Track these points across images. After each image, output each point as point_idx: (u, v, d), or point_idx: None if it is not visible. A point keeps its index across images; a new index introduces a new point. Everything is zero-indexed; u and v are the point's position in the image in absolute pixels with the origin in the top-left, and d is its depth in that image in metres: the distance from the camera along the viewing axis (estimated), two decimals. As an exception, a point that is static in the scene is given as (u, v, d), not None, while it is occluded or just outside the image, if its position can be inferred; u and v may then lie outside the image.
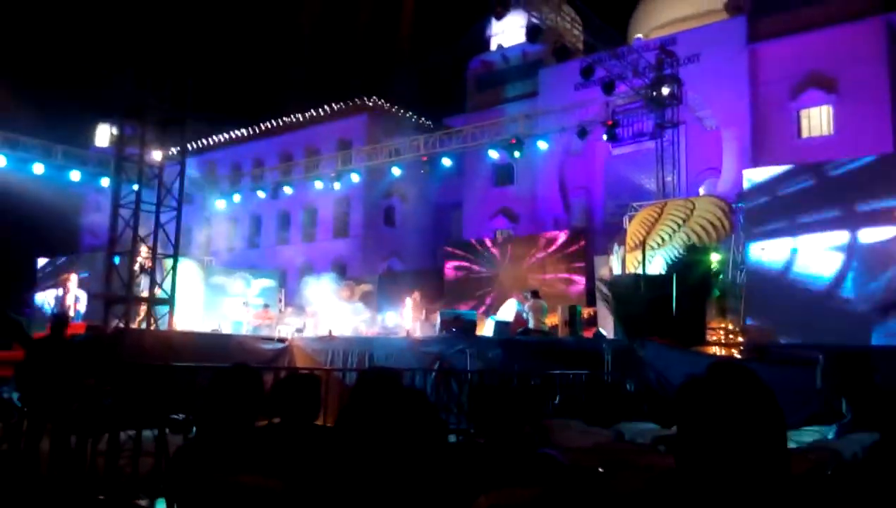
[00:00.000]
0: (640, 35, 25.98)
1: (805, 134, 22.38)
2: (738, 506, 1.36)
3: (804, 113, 22.49)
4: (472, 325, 13.77)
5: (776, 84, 22.48)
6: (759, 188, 12.54)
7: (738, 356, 10.24)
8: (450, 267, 21.77)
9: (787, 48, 22.20)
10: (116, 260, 13.14)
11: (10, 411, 8.33)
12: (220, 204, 26.15)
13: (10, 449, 6.15)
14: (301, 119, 32.94)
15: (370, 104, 31.98)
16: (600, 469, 4.98)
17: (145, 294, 13.49)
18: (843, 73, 21.24)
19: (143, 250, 13.48)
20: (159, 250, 13.45)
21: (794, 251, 11.46)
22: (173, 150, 14.69)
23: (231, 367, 2.78)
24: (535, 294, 15.91)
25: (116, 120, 17.71)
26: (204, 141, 34.50)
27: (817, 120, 22.30)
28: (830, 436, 6.52)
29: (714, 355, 9.72)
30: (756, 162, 20.91)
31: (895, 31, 21.24)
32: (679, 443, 1.47)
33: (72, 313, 20.54)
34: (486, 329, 15.38)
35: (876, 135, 19.76)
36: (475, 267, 21.09)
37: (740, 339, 11.37)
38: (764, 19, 22.86)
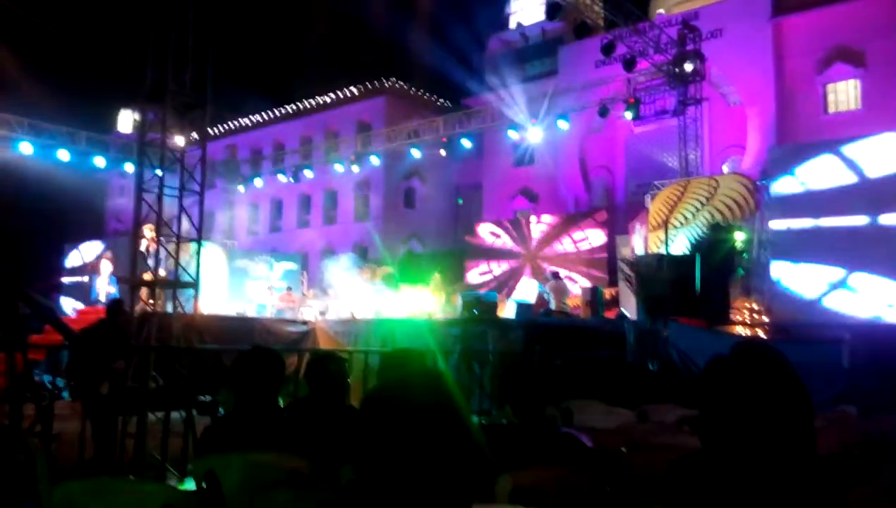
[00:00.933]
0: (661, 10, 25.49)
1: (832, 109, 21.89)
2: (765, 486, 1.35)
3: (831, 87, 21.99)
4: (494, 307, 13.77)
5: (801, 58, 21.98)
6: (784, 165, 12.32)
7: (763, 335, 10.14)
8: (471, 249, 21.76)
9: (812, 21, 21.67)
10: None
11: (42, 393, 8.53)
12: (241, 188, 26.36)
13: (43, 431, 6.30)
14: (320, 102, 32.96)
15: (388, 86, 31.88)
16: (623, 450, 4.98)
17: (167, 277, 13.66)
18: (871, 45, 20.69)
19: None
20: (183, 234, 13.58)
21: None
22: (194, 135, 14.77)
23: (251, 349, 2.82)
24: (557, 275, 15.86)
25: (138, 105, 17.89)
26: (225, 125, 34.69)
27: (844, 95, 21.78)
28: (857, 415, 6.45)
29: (738, 335, 9.63)
30: (781, 138, 20.53)
31: (926, 0, 20.61)
32: (704, 424, 1.46)
33: (102, 297, 20.90)
34: (507, 310, 15.39)
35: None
36: (496, 248, 21.06)
37: (765, 319, 11.25)
38: (789, -9, 22.32)
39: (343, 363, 3.14)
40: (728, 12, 22.62)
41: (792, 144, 12.97)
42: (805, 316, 10.37)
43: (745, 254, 12.23)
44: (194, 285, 13.28)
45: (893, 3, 20.35)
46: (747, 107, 22.16)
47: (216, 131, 33.40)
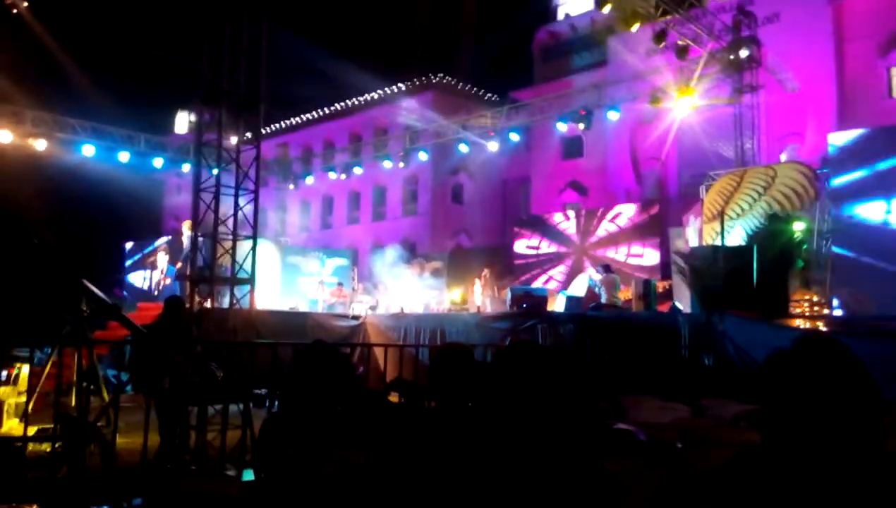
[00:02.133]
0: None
1: (897, 93, 20.97)
2: (829, 484, 1.32)
3: (895, 71, 21.05)
4: (543, 301, 13.69)
5: (863, 41, 21.08)
6: (846, 152, 11.87)
7: (825, 328, 9.80)
8: (520, 243, 21.66)
9: (873, 3, 20.75)
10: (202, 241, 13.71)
11: (106, 387, 8.89)
12: (292, 186, 26.87)
13: (109, 423, 6.56)
14: (368, 99, 33.27)
15: (436, 81, 31.95)
16: (679, 445, 4.90)
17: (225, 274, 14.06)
18: (941, 24, 19.73)
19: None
20: (239, 232, 13.95)
21: (888, 212, 10.84)
22: (248, 135, 15.13)
23: (311, 344, 2.87)
24: (608, 268, 15.66)
25: (194, 107, 18.42)
26: (276, 124, 35.36)
27: (911, 78, 20.83)
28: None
29: (798, 327, 9.33)
30: (842, 125, 19.76)
31: None
32: (766, 419, 1.43)
33: (157, 291, 21.65)
34: (557, 304, 15.27)
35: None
36: (545, 242, 20.91)
37: (826, 311, 10.87)
38: (851, -29, 21.42)
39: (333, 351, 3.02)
40: (785, -5, 21.88)
41: (855, 130, 12.44)
42: (872, 307, 9.99)
43: (804, 246, 11.84)
44: (250, 281, 13.67)
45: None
46: (806, 93, 21.39)
47: (268, 130, 34.04)
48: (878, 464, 1.34)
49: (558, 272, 20.27)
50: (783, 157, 19.84)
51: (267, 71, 14.75)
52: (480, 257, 22.21)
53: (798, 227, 12.03)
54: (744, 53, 16.56)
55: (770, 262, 10.19)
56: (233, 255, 13.79)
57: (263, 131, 15.72)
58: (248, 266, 13.75)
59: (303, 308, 18.10)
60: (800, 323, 9.73)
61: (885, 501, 1.32)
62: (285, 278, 20.65)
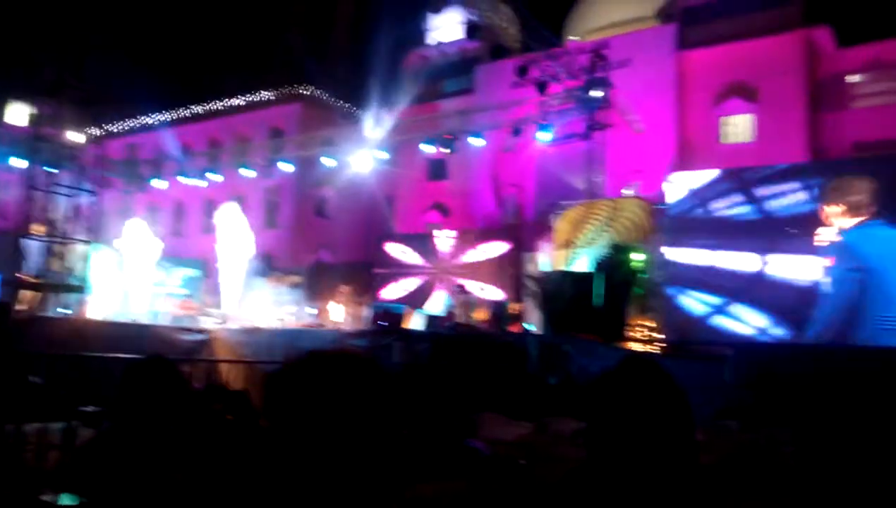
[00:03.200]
0: (574, 37, 26.48)
1: (727, 140, 23.37)
2: (646, 497, 1.39)
3: (726, 120, 23.49)
4: (401, 319, 13.75)
5: (701, 91, 23.39)
6: (681, 192, 13.02)
7: (656, 351, 10.60)
8: (382, 261, 21.63)
9: (712, 57, 23.11)
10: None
11: None
12: (141, 189, 25.13)
13: None
14: (231, 105, 32.04)
15: (305, 93, 31.41)
16: (522, 462, 5.06)
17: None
18: (764, 83, 22.30)
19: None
20: (74, 236, 12.82)
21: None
22: (94, 132, 14.02)
23: (144, 359, 2.68)
24: (464, 289, 16.04)
25: (31, 98, 16.78)
26: (126, 123, 33.08)
27: (739, 127, 23.32)
28: (738, 429, 6.83)
29: (632, 350, 10.02)
30: (680, 166, 21.69)
31: (813, 45, 22.43)
32: (589, 436, 1.50)
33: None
34: (414, 322, 15.39)
35: (792, 144, 20.82)
36: (407, 261, 21.05)
37: (658, 336, 11.78)
38: (692, 28, 23.72)
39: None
40: (636, 43, 23.78)
41: (690, 172, 13.66)
42: (695, 334, 10.94)
43: (642, 275, 12.77)
44: (82, 289, 12.57)
45: (785, 45, 22.05)
46: (650, 135, 23.28)
47: (116, 129, 31.85)
48: (691, 479, 1.43)
49: (419, 291, 20.45)
50: (627, 193, 21.43)
51: (118, 66, 13.80)
52: (342, 273, 21.93)
53: (637, 258, 12.97)
54: (597, 94, 17.72)
55: (612, 289, 10.90)
56: (66, 261, 12.66)
57: (111, 130, 14.65)
58: (82, 272, 12.65)
59: (145, 320, 16.92)
60: (635, 347, 10.47)
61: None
62: (126, 287, 19.20)
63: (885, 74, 22.14)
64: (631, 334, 11.43)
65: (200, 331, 13.98)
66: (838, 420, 1.75)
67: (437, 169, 29.08)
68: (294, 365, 1.37)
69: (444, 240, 20.73)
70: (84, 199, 13.01)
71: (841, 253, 9.85)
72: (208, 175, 23.57)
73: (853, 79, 22.85)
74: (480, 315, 15.65)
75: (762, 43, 22.12)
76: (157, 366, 2.69)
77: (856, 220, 9.83)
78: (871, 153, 13.55)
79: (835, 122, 22.20)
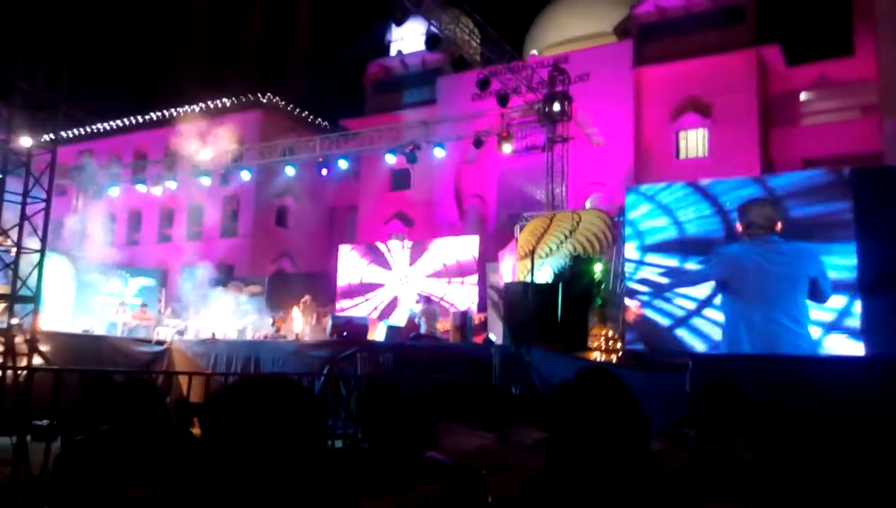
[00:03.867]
0: (534, 51, 26.86)
1: (683, 155, 23.94)
2: (602, 504, 1.42)
3: (682, 135, 24.06)
4: (364, 330, 13.67)
5: (658, 106, 23.93)
6: (639, 203, 13.29)
7: (616, 361, 10.76)
8: (343, 271, 21.52)
9: (668, 73, 23.69)
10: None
11: None
12: (96, 196, 24.53)
13: None
14: (189, 111, 31.52)
15: (265, 101, 31.12)
16: (484, 472, 5.07)
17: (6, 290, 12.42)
18: (718, 99, 22.93)
19: None
20: (25, 244, 12.40)
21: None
22: (46, 137, 13.64)
23: (125, 382, 2.71)
24: (429, 299, 16.05)
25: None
26: (81, 129, 32.31)
27: (694, 142, 23.91)
28: (695, 438, 6.97)
29: (594, 360, 10.16)
30: (638, 179, 22.12)
31: (764, 63, 23.16)
32: (548, 446, 1.53)
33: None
34: (377, 333, 15.32)
35: (745, 158, 21.43)
36: (370, 271, 20.97)
37: (619, 345, 11.96)
38: (648, 45, 24.29)
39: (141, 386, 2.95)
40: (595, 58, 24.24)
41: (649, 184, 13.94)
42: (656, 345, 11.14)
43: (602, 285, 12.96)
44: (34, 299, 12.17)
45: (738, 62, 22.72)
46: (609, 148, 23.71)
47: (70, 135, 31.06)
48: (645, 487, 1.47)
49: (381, 301, 20.38)
50: (588, 204, 21.76)
51: (72, 69, 13.45)
52: (303, 283, 21.71)
53: (598, 268, 13.17)
54: (556, 107, 17.99)
55: (573, 299, 11.04)
56: (15, 270, 12.23)
57: (64, 135, 14.25)
58: (33, 282, 12.25)
59: (100, 331, 16.46)
60: (597, 356, 10.61)
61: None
62: (81, 298, 18.66)
63: (833, 92, 22.99)
64: (592, 344, 11.58)
65: (158, 343, 13.67)
66: (793, 427, 1.81)
67: (399, 179, 29.09)
68: (227, 394, 1.37)
69: (407, 249, 20.73)
70: (35, 207, 12.61)
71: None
72: (165, 183, 23.14)
73: (803, 96, 23.68)
74: (444, 325, 15.67)
75: (716, 60, 22.77)
76: (137, 387, 2.72)
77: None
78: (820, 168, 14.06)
79: (785, 138, 22.94)
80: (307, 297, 18.31)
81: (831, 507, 1.87)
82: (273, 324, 17.09)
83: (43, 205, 12.75)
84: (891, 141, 19.24)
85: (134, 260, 28.51)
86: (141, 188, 23.58)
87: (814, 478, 1.90)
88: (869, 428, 5.98)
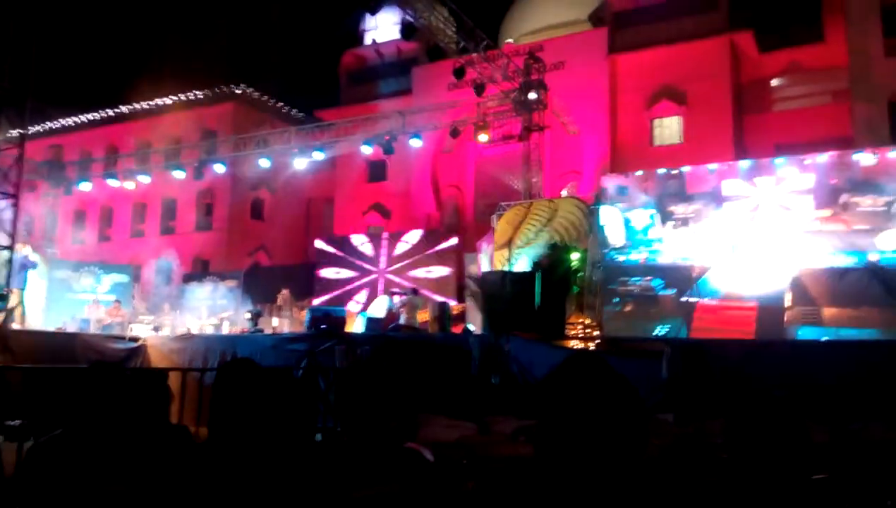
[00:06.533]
0: (510, 40, 26.80)
1: (658, 142, 24.09)
2: (595, 490, 1.41)
3: (657, 122, 24.20)
4: (342, 322, 13.58)
5: (633, 94, 24.03)
6: (616, 191, 13.40)
7: (594, 348, 10.82)
8: (322, 263, 21.39)
9: (642, 61, 23.78)
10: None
11: None
12: (66, 192, 24.08)
13: None
14: (161, 104, 31.03)
15: (238, 93, 30.72)
16: (465, 462, 5.08)
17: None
18: (692, 86, 23.08)
19: None
20: (-7, 241, 12.17)
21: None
22: (13, 132, 13.34)
23: (90, 366, 2.63)
24: (415, 291, 16.03)
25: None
26: (50, 124, 31.65)
27: (669, 129, 24.06)
28: (672, 422, 7.05)
29: (572, 348, 10.21)
30: (614, 167, 22.23)
31: (737, 50, 23.35)
32: (540, 433, 1.51)
33: None
34: (356, 326, 15.25)
35: (719, 145, 21.62)
36: (348, 263, 20.86)
37: (596, 333, 12.04)
38: (623, 32, 24.35)
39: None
40: (570, 47, 24.25)
41: (633, 174, 14.01)
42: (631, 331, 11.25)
43: (579, 273, 13.03)
44: (4, 297, 11.95)
45: (711, 49, 22.87)
46: (584, 136, 23.79)
47: (39, 129, 30.40)
48: (638, 469, 1.45)
49: (360, 293, 20.30)
50: (564, 193, 21.82)
51: (39, 63, 13.16)
52: (280, 276, 21.54)
53: (574, 257, 13.23)
54: (532, 95, 17.99)
55: (550, 288, 11.07)
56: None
57: (33, 130, 13.95)
58: (3, 279, 12.02)
59: (72, 328, 16.19)
60: (574, 344, 10.66)
61: (645, 504, 1.43)
62: (52, 295, 18.34)
63: (804, 78, 23.27)
64: (569, 332, 11.64)
65: (133, 339, 13.49)
66: (766, 411, 1.84)
67: (376, 170, 28.94)
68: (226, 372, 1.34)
69: (385, 241, 20.66)
70: (4, 203, 12.36)
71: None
72: (138, 177, 22.78)
73: (775, 82, 23.93)
74: (423, 316, 15.65)
75: (689, 47, 22.90)
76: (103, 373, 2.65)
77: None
78: (793, 153, 14.23)
79: (758, 124, 23.19)
80: (285, 291, 18.17)
81: (800, 491, 1.89)
82: (251, 318, 16.93)
83: (11, 201, 12.50)
84: (860, 125, 19.56)
85: (106, 257, 28.08)
86: (113, 183, 23.18)
87: (783, 460, 1.91)
88: (835, 410, 6.11)
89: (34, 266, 15.13)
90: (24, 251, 14.27)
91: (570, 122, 22.16)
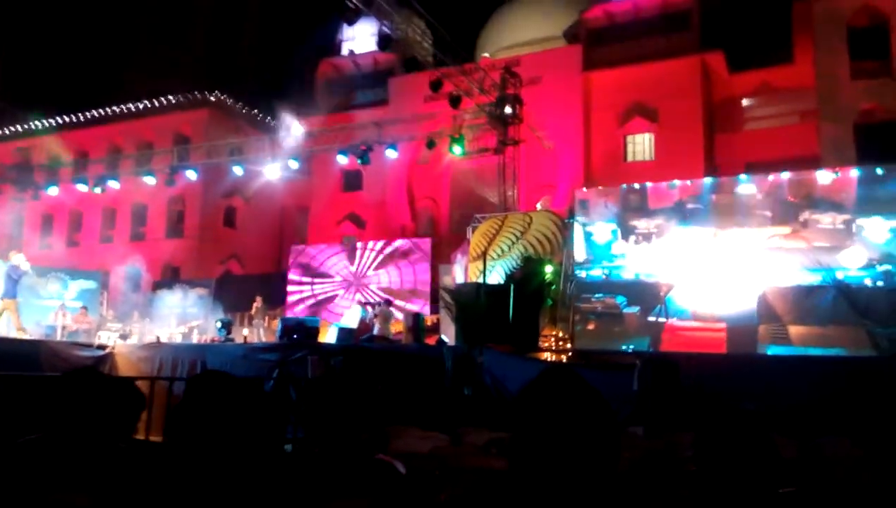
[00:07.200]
0: (486, 54, 27.02)
1: (630, 158, 24.42)
2: (567, 503, 1.41)
3: (630, 139, 24.54)
4: (315, 332, 13.48)
5: (606, 110, 24.36)
6: (588, 206, 13.56)
7: (566, 361, 10.89)
8: (295, 273, 21.22)
9: (616, 78, 24.13)
10: None
11: None
12: (34, 196, 23.60)
13: None
14: (133, 109, 30.63)
15: (212, 99, 30.46)
16: (437, 473, 5.06)
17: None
18: (664, 104, 23.47)
19: None
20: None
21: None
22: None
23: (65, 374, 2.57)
24: (389, 303, 15.98)
25: None
26: (18, 126, 31.05)
27: (641, 146, 24.42)
28: (642, 435, 7.10)
29: (545, 360, 10.26)
30: (588, 181, 22.48)
31: (708, 69, 23.82)
32: (515, 446, 1.51)
33: None
34: (329, 336, 15.15)
35: (690, 162, 21.98)
36: (321, 273, 20.73)
37: (569, 346, 12.11)
38: (597, 50, 24.71)
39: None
40: (546, 62, 24.52)
41: (595, 189, 14.20)
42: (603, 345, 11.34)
43: (553, 286, 13.11)
44: (-33, 303, 11.65)
45: (683, 68, 23.28)
46: (559, 150, 24.02)
47: (6, 132, 29.85)
48: (611, 484, 1.46)
49: (332, 303, 20.17)
50: (538, 206, 21.97)
51: (7, 65, 12.91)
52: (252, 285, 21.31)
53: (548, 270, 13.31)
54: (508, 109, 18.13)
55: (524, 301, 11.13)
56: (-54, 272, 11.68)
57: (0, 133, 13.69)
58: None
59: (37, 335, 15.81)
60: (547, 356, 10.71)
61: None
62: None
63: (773, 98, 23.81)
64: (543, 344, 11.69)
65: (100, 347, 13.23)
66: (735, 425, 1.87)
67: (351, 179, 28.87)
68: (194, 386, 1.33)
69: (359, 250, 20.57)
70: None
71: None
72: (108, 182, 22.42)
73: (745, 102, 24.45)
74: (397, 327, 15.61)
75: (662, 66, 23.30)
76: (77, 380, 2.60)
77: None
78: (762, 172, 14.54)
79: (729, 143, 23.65)
80: (258, 299, 17.98)
81: (767, 504, 1.92)
82: (222, 327, 16.71)
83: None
84: (827, 145, 20.05)
85: (74, 262, 27.52)
86: (82, 187, 22.78)
87: (751, 474, 1.94)
88: (803, 425, 6.21)
89: (24, 274, 14.82)
90: (14, 260, 13.97)
91: (545, 137, 22.35)
